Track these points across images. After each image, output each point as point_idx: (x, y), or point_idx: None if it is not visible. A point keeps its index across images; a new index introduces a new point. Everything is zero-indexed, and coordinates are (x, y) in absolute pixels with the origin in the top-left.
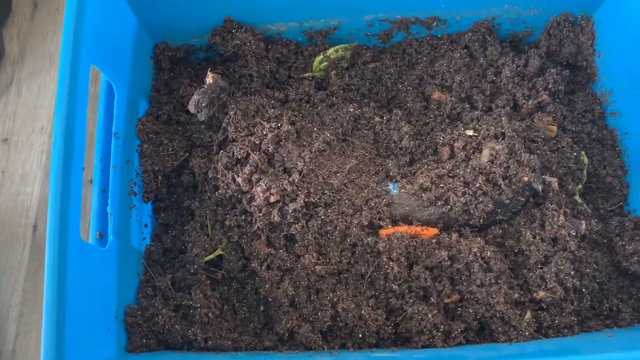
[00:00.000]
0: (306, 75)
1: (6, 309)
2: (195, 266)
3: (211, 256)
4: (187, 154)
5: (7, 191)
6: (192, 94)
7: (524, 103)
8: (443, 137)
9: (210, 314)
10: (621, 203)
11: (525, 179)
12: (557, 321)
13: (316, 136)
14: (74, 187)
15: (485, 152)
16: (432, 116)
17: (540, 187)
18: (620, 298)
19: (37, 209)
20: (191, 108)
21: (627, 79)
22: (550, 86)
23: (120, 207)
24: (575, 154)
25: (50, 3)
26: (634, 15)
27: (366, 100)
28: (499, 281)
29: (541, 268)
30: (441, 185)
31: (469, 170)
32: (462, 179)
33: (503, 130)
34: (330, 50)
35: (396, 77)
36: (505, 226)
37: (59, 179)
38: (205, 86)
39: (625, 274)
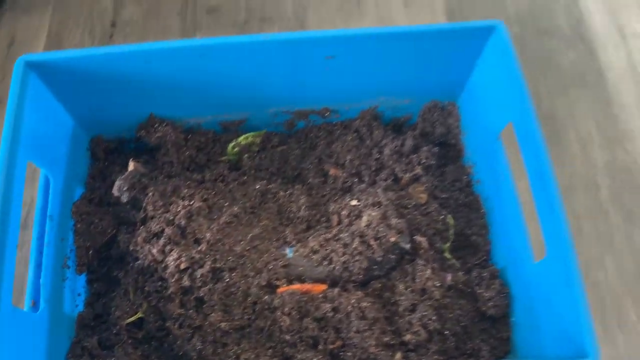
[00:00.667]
0: (222, 158)
1: None
2: (117, 327)
3: (132, 318)
4: (115, 230)
5: None
6: (116, 181)
7: (403, 176)
8: (333, 207)
9: None
10: (485, 257)
11: (392, 239)
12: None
13: (225, 210)
14: (8, 263)
15: (364, 218)
16: (328, 189)
17: (407, 246)
18: (482, 338)
19: None
20: (115, 192)
21: (482, 154)
22: (423, 161)
23: (53, 279)
24: (442, 216)
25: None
26: (482, 105)
27: (274, 178)
28: (372, 327)
29: (409, 315)
30: (327, 248)
31: (349, 234)
32: (343, 241)
33: (379, 200)
34: (241, 138)
35: (300, 158)
36: (384, 280)
37: None
38: (127, 173)
39: (484, 318)
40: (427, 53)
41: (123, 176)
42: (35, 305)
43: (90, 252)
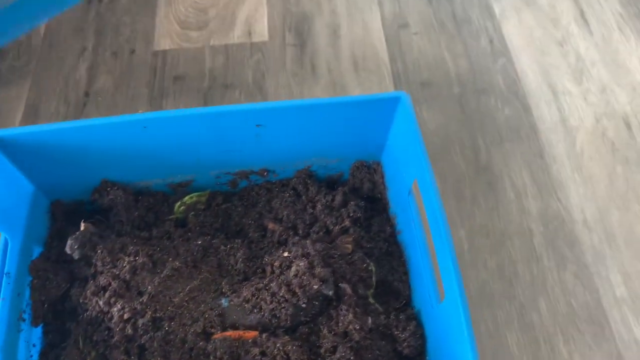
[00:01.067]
0: (170, 217)
1: None
2: None
3: None
4: (69, 285)
5: None
6: (68, 240)
7: (333, 228)
8: (268, 259)
9: None
10: (405, 301)
11: (315, 287)
12: None
13: (168, 265)
14: None
15: (293, 269)
16: (266, 243)
17: (330, 292)
18: None
19: None
20: (67, 250)
21: (400, 205)
22: (351, 214)
23: (7, 332)
24: (365, 265)
25: None
26: (397, 164)
27: (218, 233)
28: None
29: (329, 356)
30: (258, 296)
31: (277, 284)
32: (271, 290)
33: (308, 251)
34: (186, 198)
35: (243, 214)
36: (311, 325)
37: None
38: (78, 232)
39: (402, 357)
40: (350, 119)
41: (74, 235)
42: None
43: (45, 305)
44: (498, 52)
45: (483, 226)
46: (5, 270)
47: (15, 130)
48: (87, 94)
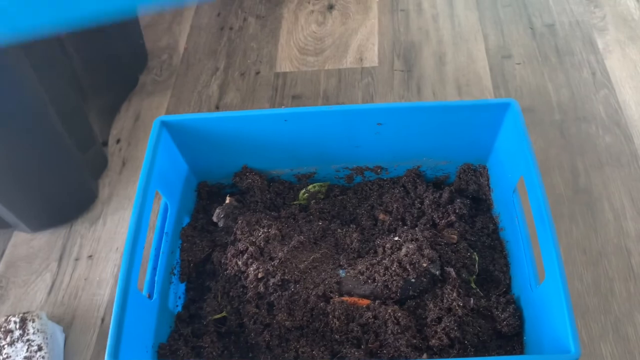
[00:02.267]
0: (294, 202)
1: None
2: (207, 321)
3: (219, 316)
4: (211, 250)
5: (87, 293)
6: (216, 210)
7: (439, 222)
8: (379, 242)
9: (214, 353)
10: (504, 289)
11: (424, 265)
12: None
13: (294, 238)
14: (136, 263)
15: (403, 250)
16: (377, 230)
17: (437, 272)
18: (498, 352)
19: (106, 306)
20: (214, 218)
21: (505, 205)
22: (457, 210)
23: (163, 280)
24: (469, 254)
25: (134, 162)
26: (503, 165)
27: (334, 220)
28: (405, 332)
29: (435, 325)
30: (372, 270)
31: (389, 261)
32: (384, 266)
33: (417, 236)
34: (310, 186)
35: (356, 205)
36: (418, 300)
37: (129, 254)
38: (224, 204)
39: (501, 336)
40: (460, 124)
41: (221, 206)
42: (150, 297)
43: (191, 265)
44: (600, 84)
45: (580, 243)
46: (165, 230)
47: (181, 116)
48: (217, 107)
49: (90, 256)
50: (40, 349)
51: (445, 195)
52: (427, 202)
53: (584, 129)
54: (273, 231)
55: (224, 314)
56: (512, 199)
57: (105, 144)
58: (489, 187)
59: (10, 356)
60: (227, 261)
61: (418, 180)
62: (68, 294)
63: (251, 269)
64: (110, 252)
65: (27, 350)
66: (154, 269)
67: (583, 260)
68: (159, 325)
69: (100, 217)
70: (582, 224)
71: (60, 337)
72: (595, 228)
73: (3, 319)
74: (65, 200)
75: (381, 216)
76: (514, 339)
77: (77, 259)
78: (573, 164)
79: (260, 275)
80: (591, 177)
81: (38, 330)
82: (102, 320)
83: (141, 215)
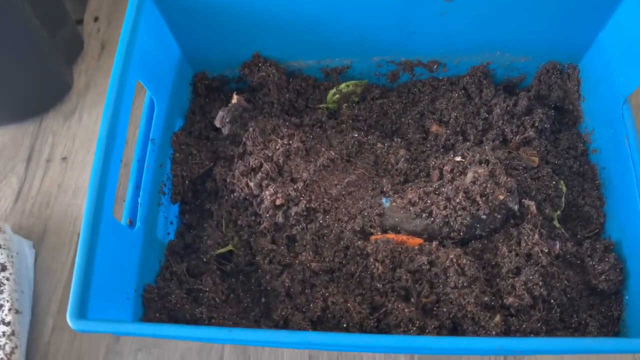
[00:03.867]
0: (321, 106)
1: (46, 303)
2: (208, 256)
3: (223, 250)
4: (212, 164)
5: (60, 202)
6: (219, 112)
7: (512, 138)
8: (434, 162)
9: (216, 299)
10: (597, 230)
11: (501, 197)
12: (524, 326)
13: (322, 154)
14: (111, 177)
15: (469, 175)
16: (428, 146)
17: (515, 207)
18: (590, 314)
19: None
20: (217, 122)
21: (605, 119)
22: (536, 124)
23: (149, 202)
24: (554, 182)
25: (116, 45)
26: (610, 64)
27: (372, 130)
28: (472, 285)
29: (512, 277)
30: (427, 200)
31: (452, 189)
32: (445, 195)
33: (487, 158)
34: (342, 85)
35: (400, 112)
36: (485, 242)
37: (99, 166)
38: (230, 105)
39: (595, 293)
40: (553, 6)
41: (226, 107)
42: (131, 224)
43: (186, 182)
44: None
45: None
46: (151, 136)
47: None
48: None
49: (64, 158)
50: (3, 268)
51: (522, 103)
52: (496, 111)
53: None
54: (295, 143)
55: (230, 247)
56: (619, 114)
57: (80, 22)
58: (579, 95)
59: None
60: (235, 180)
61: (485, 82)
62: (38, 203)
63: (267, 192)
64: (89, 153)
65: None
66: (137, 187)
67: None
68: (145, 262)
69: (76, 111)
70: None
71: (29, 253)
72: None
73: None
74: (33, 89)
75: (434, 128)
76: (612, 297)
77: (48, 161)
78: None
79: (279, 202)
80: None
81: (1, 246)
82: (79, 235)
83: (117, 116)
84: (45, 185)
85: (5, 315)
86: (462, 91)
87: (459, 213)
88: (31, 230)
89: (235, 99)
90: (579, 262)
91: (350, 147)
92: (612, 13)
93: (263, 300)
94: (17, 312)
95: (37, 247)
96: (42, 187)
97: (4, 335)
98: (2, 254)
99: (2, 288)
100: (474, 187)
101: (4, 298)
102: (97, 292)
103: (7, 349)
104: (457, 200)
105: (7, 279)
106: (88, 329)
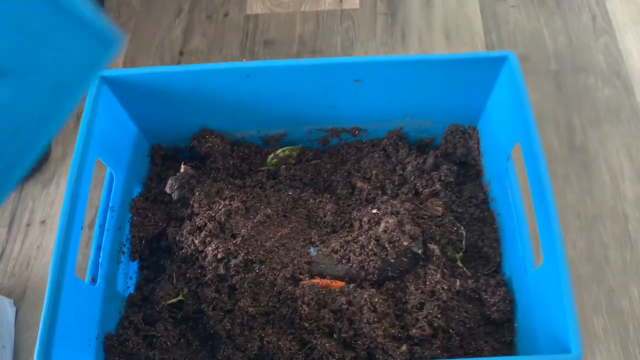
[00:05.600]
0: (262, 168)
1: (26, 356)
2: (160, 306)
3: (173, 300)
4: (165, 224)
5: (39, 262)
6: (169, 180)
7: (422, 190)
8: (356, 215)
9: (168, 343)
10: (495, 268)
11: (405, 243)
12: (426, 353)
13: (260, 211)
14: (73, 241)
15: (382, 225)
16: (354, 200)
17: (419, 251)
18: (485, 340)
19: None
20: (167, 189)
21: (497, 173)
22: (442, 178)
23: (110, 261)
24: (456, 228)
25: None
26: (496, 127)
27: (307, 188)
28: (382, 320)
29: (416, 312)
30: (347, 248)
31: (366, 238)
32: (360, 243)
33: (398, 209)
34: (279, 150)
35: (331, 171)
36: (397, 282)
37: (63, 234)
38: (178, 174)
39: (489, 322)
40: (449, 80)
41: (175, 176)
42: (93, 281)
43: (143, 242)
44: (600, 29)
45: (574, 207)
46: (110, 204)
47: (125, 71)
48: (181, 53)
49: (43, 221)
50: None
51: (430, 160)
52: (409, 168)
53: (582, 81)
54: (236, 204)
55: (179, 297)
56: (505, 167)
57: None
58: (479, 152)
59: None
60: (183, 238)
61: (400, 143)
62: (19, 264)
63: (210, 248)
64: None
65: None
66: (98, 248)
67: (577, 225)
68: (106, 313)
69: (54, 179)
70: (577, 186)
71: (10, 311)
72: (591, 190)
73: None
74: None
75: (359, 184)
76: (505, 325)
77: (28, 225)
78: (569, 119)
79: (220, 256)
80: (588, 135)
81: None
82: None
83: (77, 191)
84: (25, 247)
85: None
86: (382, 151)
87: (372, 258)
88: (12, 289)
89: (182, 168)
90: (476, 296)
91: (285, 204)
92: (493, 86)
93: (210, 343)
94: None
95: (17, 305)
96: (22, 249)
97: None
98: None
99: None
100: (384, 235)
101: None
102: (61, 340)
103: None
104: (370, 247)
105: None
106: None
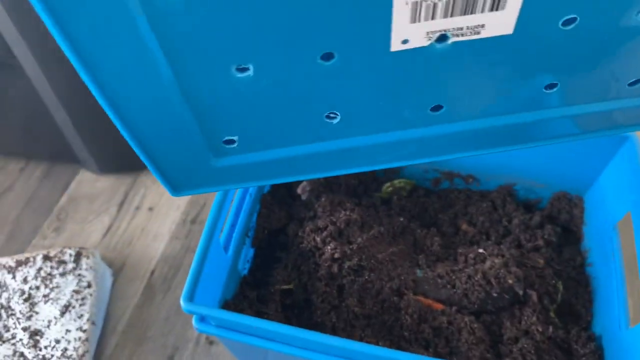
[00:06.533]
0: (376, 194)
1: (114, 323)
2: (273, 289)
3: (286, 286)
4: (287, 221)
5: (141, 244)
6: (302, 182)
7: (525, 244)
8: (462, 251)
9: (277, 321)
10: (585, 325)
11: (510, 282)
12: None
13: (374, 228)
14: (224, 209)
15: (488, 262)
16: (458, 239)
17: (521, 292)
18: None
19: (158, 260)
20: (299, 190)
21: (599, 240)
22: (545, 236)
23: (238, 239)
24: (554, 281)
25: None
26: (606, 199)
27: (414, 220)
28: (479, 344)
29: (510, 344)
30: (453, 276)
31: (473, 270)
32: (467, 274)
33: (503, 253)
34: (396, 181)
35: (439, 210)
36: (494, 317)
37: (216, 210)
38: (312, 180)
39: None
40: (567, 151)
41: (309, 181)
42: (226, 251)
43: (265, 232)
44: None
45: None
46: (249, 191)
47: None
48: None
49: (150, 208)
50: (89, 285)
51: (537, 218)
52: (515, 221)
53: None
54: (354, 216)
55: (291, 286)
56: (610, 235)
57: None
58: (582, 220)
59: (59, 286)
60: (304, 235)
61: (508, 199)
62: (122, 241)
63: (328, 247)
64: (171, 209)
65: (76, 285)
66: (232, 225)
67: None
68: (228, 282)
69: None
70: None
71: (108, 279)
72: None
73: (58, 250)
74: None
75: (464, 226)
76: None
77: (137, 208)
78: None
79: (336, 256)
80: None
81: (90, 268)
82: (152, 273)
83: None
84: (131, 227)
85: (84, 323)
86: (490, 203)
87: (477, 288)
88: (113, 261)
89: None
90: (566, 345)
91: (396, 228)
92: (607, 164)
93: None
94: (92, 323)
95: (115, 276)
96: (128, 228)
97: (79, 339)
98: (90, 273)
99: (85, 301)
100: (490, 271)
101: (85, 310)
102: (199, 292)
103: (80, 351)
104: (476, 279)
105: (91, 295)
106: (193, 310)
